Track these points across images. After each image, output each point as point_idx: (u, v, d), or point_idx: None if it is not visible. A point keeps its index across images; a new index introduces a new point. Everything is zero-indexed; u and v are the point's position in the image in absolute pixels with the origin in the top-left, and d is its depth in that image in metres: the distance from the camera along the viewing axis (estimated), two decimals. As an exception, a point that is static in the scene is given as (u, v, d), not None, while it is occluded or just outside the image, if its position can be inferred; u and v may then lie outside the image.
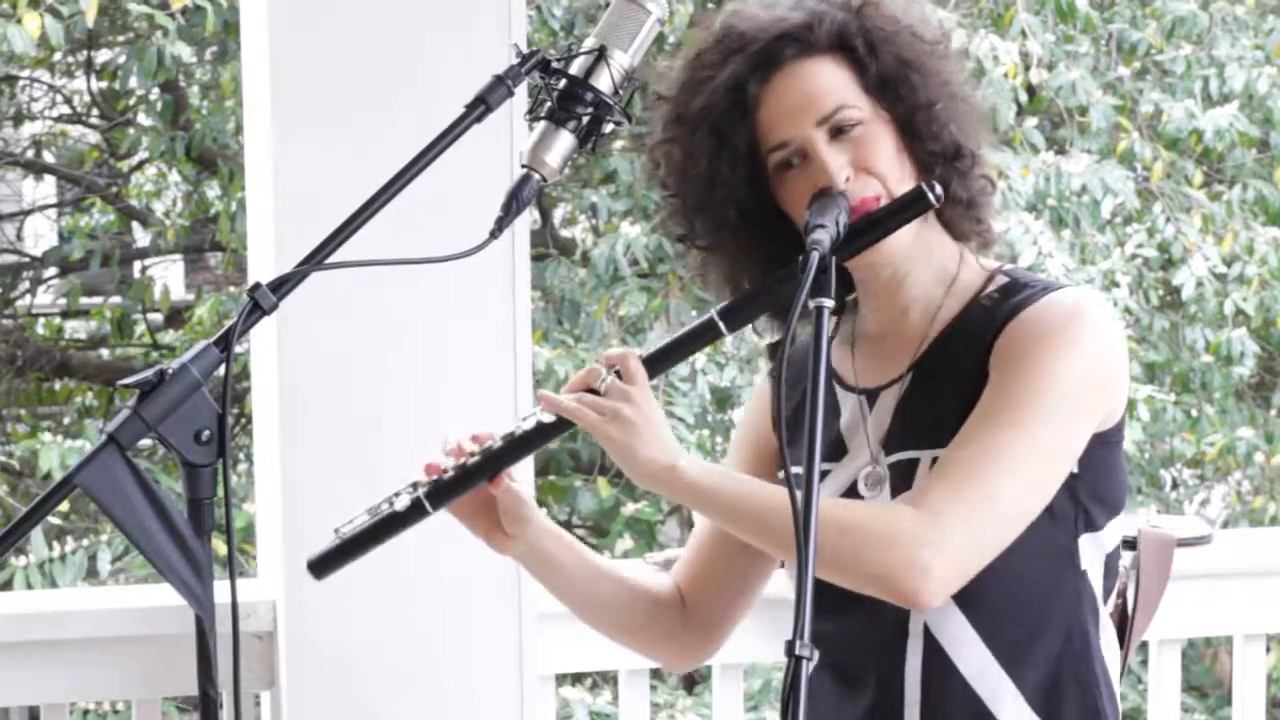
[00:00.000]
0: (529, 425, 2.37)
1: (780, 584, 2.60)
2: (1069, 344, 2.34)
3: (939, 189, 2.30)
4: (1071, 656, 2.43)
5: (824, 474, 2.42)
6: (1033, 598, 2.39)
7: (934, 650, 2.39)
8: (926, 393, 2.42)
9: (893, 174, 2.37)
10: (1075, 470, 2.37)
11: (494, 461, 2.38)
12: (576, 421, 2.32)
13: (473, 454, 2.39)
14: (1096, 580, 2.45)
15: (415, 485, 2.40)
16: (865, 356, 2.49)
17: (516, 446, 2.39)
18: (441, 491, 2.38)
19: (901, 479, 2.39)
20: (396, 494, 2.40)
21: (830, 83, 2.37)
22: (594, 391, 2.32)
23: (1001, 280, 2.45)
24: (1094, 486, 2.41)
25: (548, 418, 2.35)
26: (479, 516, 2.47)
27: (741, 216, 2.41)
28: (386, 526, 2.40)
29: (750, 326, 2.47)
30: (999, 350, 2.37)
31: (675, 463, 2.30)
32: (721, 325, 2.35)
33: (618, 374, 2.33)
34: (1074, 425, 2.35)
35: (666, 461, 2.30)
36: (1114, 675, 2.50)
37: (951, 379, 2.40)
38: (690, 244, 2.49)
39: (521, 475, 2.54)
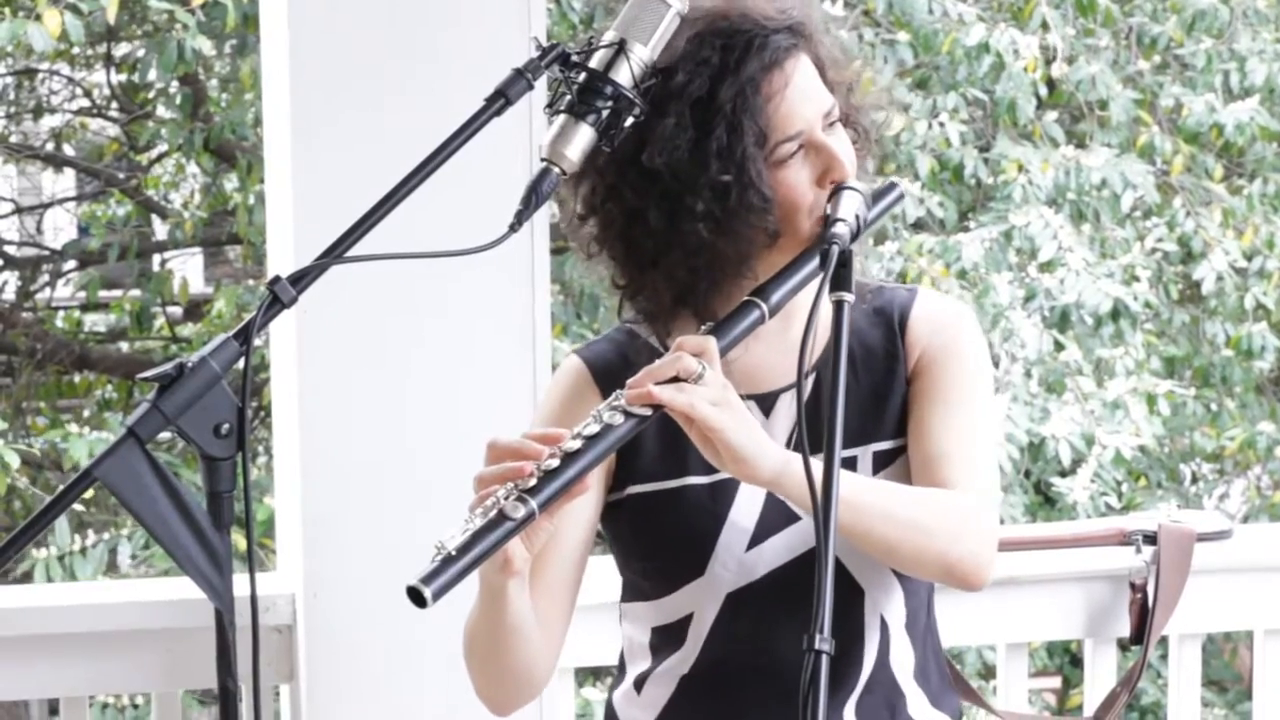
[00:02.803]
0: (616, 419, 2.18)
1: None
2: (980, 336, 2.49)
3: (900, 184, 2.44)
4: (933, 630, 2.53)
5: (736, 484, 2.40)
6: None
7: (885, 638, 2.44)
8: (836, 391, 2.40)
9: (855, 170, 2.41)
10: None
11: (589, 461, 2.17)
12: (685, 412, 2.15)
13: (552, 455, 2.16)
14: None
15: (511, 494, 2.13)
16: (744, 362, 2.41)
17: (607, 443, 2.17)
18: (549, 496, 2.14)
19: None
20: (491, 506, 2.13)
21: (818, 78, 2.39)
22: (681, 382, 2.18)
23: None
24: None
25: (640, 410, 2.17)
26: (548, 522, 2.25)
27: (738, 202, 2.33)
28: (506, 537, 2.12)
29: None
30: (926, 346, 2.44)
31: (784, 452, 2.19)
32: (764, 308, 2.30)
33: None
34: None
35: (781, 450, 2.20)
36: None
37: (866, 379, 2.45)
38: (639, 223, 2.37)
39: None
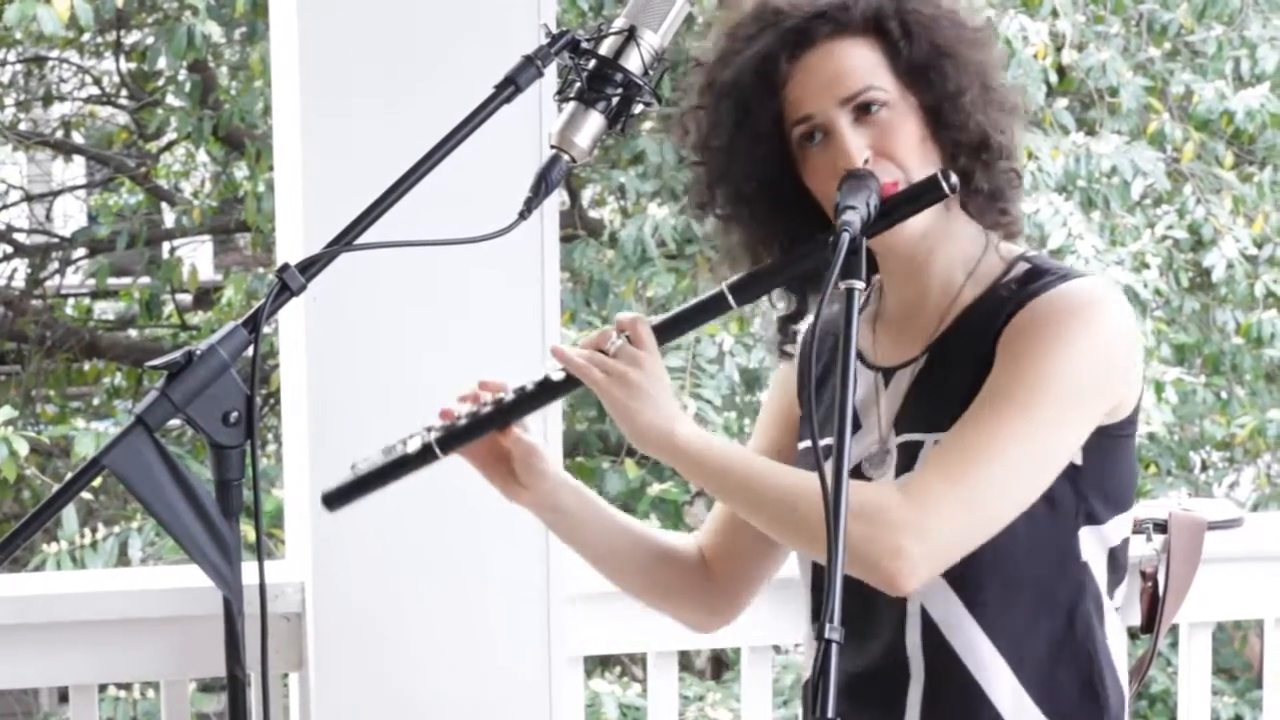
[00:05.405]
0: (540, 379, 2.41)
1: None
2: (1074, 333, 2.32)
3: (954, 178, 2.26)
4: (1072, 642, 2.42)
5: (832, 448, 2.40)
6: (1030, 585, 2.38)
7: (931, 630, 2.40)
8: (938, 376, 2.42)
9: (913, 161, 2.34)
10: (1077, 462, 2.36)
11: (504, 412, 2.43)
12: (582, 378, 2.34)
13: (485, 403, 2.43)
14: (1100, 574, 2.45)
15: (429, 429, 2.43)
16: (886, 335, 2.48)
17: (526, 399, 2.42)
18: (452, 437, 2.43)
19: (906, 460, 2.39)
20: (410, 435, 2.44)
21: (859, 63, 2.35)
22: (604, 353, 2.35)
23: (1023, 267, 2.42)
24: (1097, 479, 2.39)
25: (558, 375, 2.39)
26: (494, 465, 2.49)
27: (760, 190, 2.42)
28: (399, 466, 2.44)
29: (766, 298, 2.52)
30: (1006, 337, 2.35)
31: (674, 429, 2.32)
32: (730, 298, 2.36)
33: (628, 339, 2.35)
34: (1073, 415, 2.32)
35: (665, 427, 2.32)
36: (1120, 665, 2.49)
37: (961, 364, 2.38)
38: (709, 213, 2.50)
39: (548, 439, 2.63)
